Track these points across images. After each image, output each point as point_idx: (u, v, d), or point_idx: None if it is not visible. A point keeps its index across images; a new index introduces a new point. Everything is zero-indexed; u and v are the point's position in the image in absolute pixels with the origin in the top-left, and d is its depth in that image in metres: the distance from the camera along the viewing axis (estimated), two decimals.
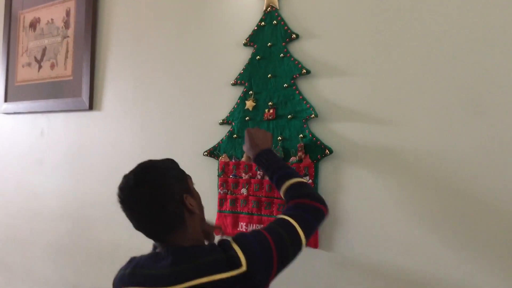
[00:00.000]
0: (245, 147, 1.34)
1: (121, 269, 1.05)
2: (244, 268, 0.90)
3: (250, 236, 0.99)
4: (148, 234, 1.01)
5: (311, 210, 1.09)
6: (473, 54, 1.15)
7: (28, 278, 2.19)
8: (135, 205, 0.98)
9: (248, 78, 1.51)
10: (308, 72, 1.39)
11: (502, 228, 1.10)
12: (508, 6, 1.11)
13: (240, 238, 0.98)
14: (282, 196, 1.18)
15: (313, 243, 1.34)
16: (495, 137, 1.12)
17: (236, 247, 0.94)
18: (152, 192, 0.96)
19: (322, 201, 1.12)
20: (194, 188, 1.11)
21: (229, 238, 0.99)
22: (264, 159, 1.24)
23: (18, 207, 2.27)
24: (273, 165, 1.22)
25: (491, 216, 1.12)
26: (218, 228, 1.23)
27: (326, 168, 1.35)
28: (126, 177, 1.01)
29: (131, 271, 1.00)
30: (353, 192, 1.31)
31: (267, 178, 1.26)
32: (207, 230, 1.13)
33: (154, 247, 1.09)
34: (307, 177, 1.36)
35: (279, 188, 1.19)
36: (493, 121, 1.13)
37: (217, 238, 1.10)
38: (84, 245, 1.96)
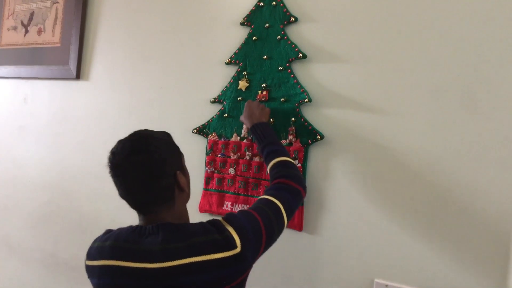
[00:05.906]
0: (242, 117, 1.39)
1: (96, 240, 1.00)
2: (238, 249, 0.91)
3: (242, 217, 0.99)
4: (134, 204, 0.97)
5: (295, 194, 1.14)
6: (472, 50, 1.17)
7: (3, 246, 2.15)
8: (128, 172, 0.93)
9: (243, 58, 1.50)
10: (304, 56, 1.38)
11: (487, 226, 1.14)
12: (506, 7, 1.13)
13: (233, 219, 0.98)
14: (267, 169, 1.24)
15: (298, 226, 1.36)
16: (487, 135, 1.14)
17: (230, 228, 0.95)
18: (147, 162, 0.93)
19: (303, 184, 1.19)
20: (186, 167, 1.09)
21: (220, 218, 0.99)
22: (259, 130, 1.31)
23: None
24: (268, 138, 1.29)
25: (477, 215, 1.15)
26: None
27: (316, 153, 1.36)
28: (121, 143, 0.96)
29: (112, 244, 0.95)
30: (340, 178, 1.33)
31: (258, 151, 1.32)
32: None
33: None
34: (296, 161, 1.36)
35: (267, 161, 1.25)
36: (486, 119, 1.15)
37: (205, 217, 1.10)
38: (64, 215, 1.93)
